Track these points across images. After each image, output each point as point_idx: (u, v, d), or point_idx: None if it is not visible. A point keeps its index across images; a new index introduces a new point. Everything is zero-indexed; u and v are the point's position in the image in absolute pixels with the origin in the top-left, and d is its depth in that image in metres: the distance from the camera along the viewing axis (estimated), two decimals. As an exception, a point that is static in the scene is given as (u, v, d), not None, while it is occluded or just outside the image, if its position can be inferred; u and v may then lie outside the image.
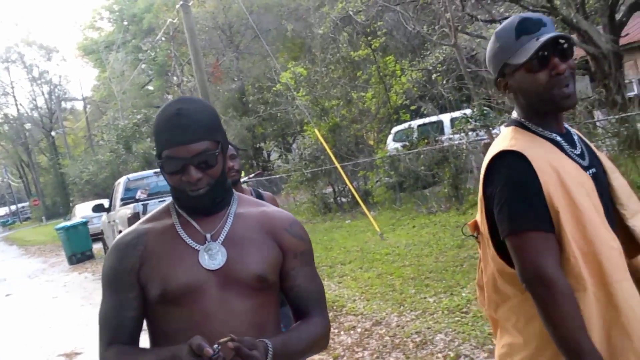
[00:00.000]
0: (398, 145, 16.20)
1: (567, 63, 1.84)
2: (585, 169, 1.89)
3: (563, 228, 1.76)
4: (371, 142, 17.87)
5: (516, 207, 1.80)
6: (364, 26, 16.28)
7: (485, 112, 11.33)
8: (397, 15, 15.20)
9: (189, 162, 1.77)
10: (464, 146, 12.28)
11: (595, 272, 1.76)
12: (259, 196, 3.55)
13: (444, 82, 15.92)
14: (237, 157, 3.47)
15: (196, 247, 1.84)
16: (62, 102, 62.53)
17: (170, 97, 34.05)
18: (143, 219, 1.98)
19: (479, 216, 2.00)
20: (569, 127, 2.02)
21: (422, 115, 18.03)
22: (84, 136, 57.91)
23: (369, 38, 17.06)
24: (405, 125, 17.08)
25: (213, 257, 1.84)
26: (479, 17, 12.24)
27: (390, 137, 17.57)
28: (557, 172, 1.80)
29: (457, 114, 15.34)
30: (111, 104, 44.85)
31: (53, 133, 58.14)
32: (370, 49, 17.13)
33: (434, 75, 16.47)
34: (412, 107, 17.90)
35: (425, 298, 6.89)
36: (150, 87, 45.04)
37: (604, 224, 1.81)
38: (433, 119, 17.31)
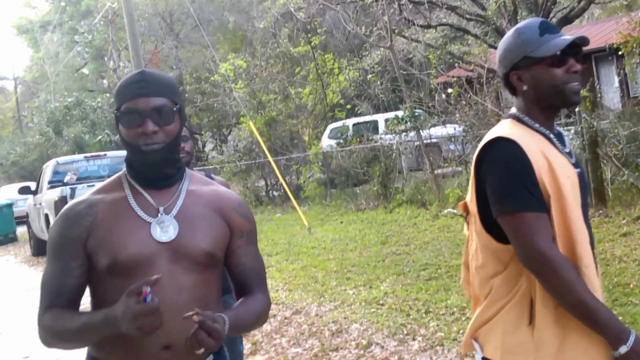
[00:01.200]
0: (333, 142, 16.45)
1: (580, 67, 2.03)
2: (573, 165, 2.04)
3: (551, 211, 1.92)
4: (306, 138, 18.05)
5: (511, 188, 1.93)
6: (304, 23, 16.42)
7: (416, 114, 11.65)
8: (338, 15, 15.41)
9: (147, 115, 1.81)
10: (395, 146, 12.58)
11: (571, 255, 1.91)
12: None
13: (379, 83, 16.24)
14: (189, 140, 3.44)
15: (148, 220, 1.87)
16: (-8, 81, 60.32)
17: (105, 81, 33.45)
18: (94, 189, 1.98)
19: (469, 196, 2.11)
20: (560, 129, 2.18)
21: (357, 114, 18.33)
22: (12, 117, 56.04)
23: (309, 35, 17.23)
24: (340, 123, 17.35)
25: (165, 230, 1.86)
26: (415, 21, 12.56)
27: (326, 134, 17.82)
28: (548, 161, 1.94)
29: (391, 114, 15.71)
30: (43, 86, 43.58)
31: (-20, 112, 56.03)
32: (310, 46, 17.30)
33: (369, 76, 16.77)
34: (348, 106, 18.19)
35: (345, 290, 7.11)
36: (85, 71, 43.95)
37: (580, 215, 1.97)
38: (368, 118, 17.63)
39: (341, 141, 15.86)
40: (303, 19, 15.86)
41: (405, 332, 5.43)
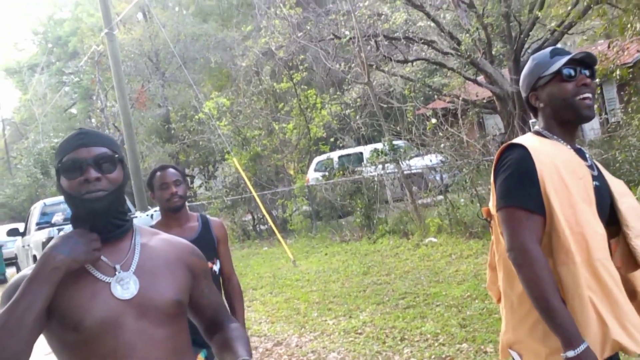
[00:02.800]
0: (319, 175, 16.71)
1: (592, 83, 2.22)
2: (592, 177, 2.20)
3: (554, 210, 2.06)
4: (291, 172, 18.32)
5: (509, 186, 2.14)
6: (286, 60, 16.82)
7: (395, 147, 11.95)
8: (318, 51, 15.80)
9: (89, 163, 1.80)
10: (376, 178, 12.85)
11: (583, 250, 2.05)
12: (206, 222, 3.56)
13: (357, 117, 16.60)
14: (181, 184, 3.44)
15: (106, 280, 1.81)
16: (-20, 123, 60.50)
17: (93, 120, 33.67)
18: None
19: (491, 201, 2.32)
20: (580, 146, 2.35)
21: (341, 147, 18.66)
22: (1, 158, 56.10)
23: (291, 72, 17.61)
24: (325, 156, 17.66)
25: (126, 287, 1.82)
26: (392, 57, 12.93)
27: (312, 167, 18.09)
28: (555, 164, 2.11)
29: (377, 145, 16.03)
30: (32, 127, 43.79)
31: (-31, 154, 56.06)
32: (292, 82, 17.67)
33: (347, 111, 17.14)
34: (332, 139, 18.53)
35: (325, 320, 7.30)
36: (74, 111, 44.25)
37: (592, 213, 2.11)
38: (353, 150, 17.96)
39: (326, 174, 16.13)
40: (284, 57, 16.22)
41: (380, 359, 5.64)
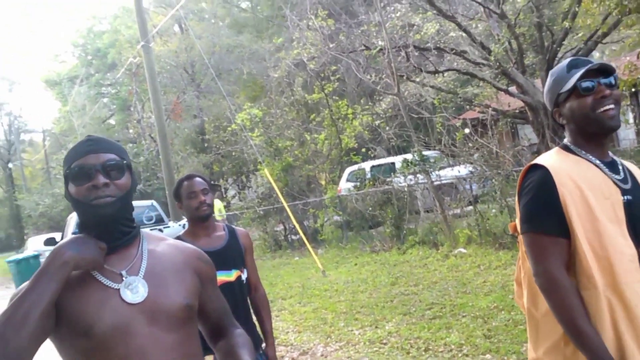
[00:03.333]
0: (350, 185, 16.78)
1: (612, 91, 2.14)
2: (623, 191, 2.12)
3: (576, 234, 2.02)
4: (323, 182, 18.41)
5: (531, 210, 2.12)
6: (317, 71, 16.96)
7: (424, 157, 11.95)
8: (349, 63, 15.90)
9: (98, 169, 1.82)
10: (405, 189, 12.86)
11: (607, 274, 1.99)
12: (232, 232, 3.55)
13: (387, 128, 16.63)
14: (209, 192, 3.45)
15: (116, 287, 1.81)
16: (22, 134, 62.09)
17: (131, 131, 34.27)
18: None
19: (518, 219, 2.29)
20: (617, 158, 2.28)
21: (372, 158, 18.70)
22: (41, 168, 57.37)
23: (323, 82, 17.75)
24: (357, 166, 17.73)
25: (135, 290, 1.82)
26: (422, 68, 12.96)
27: (344, 178, 18.17)
28: (578, 186, 2.06)
29: (408, 156, 16.05)
30: (71, 138, 44.70)
31: (10, 165, 57.49)
32: (324, 93, 17.80)
33: (377, 122, 17.19)
34: (363, 150, 18.58)
35: (352, 330, 7.35)
36: (112, 122, 45.09)
37: (622, 232, 2.05)
38: (385, 160, 17.99)
39: (358, 184, 16.18)
40: (316, 68, 16.36)
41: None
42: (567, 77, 2.18)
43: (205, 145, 26.56)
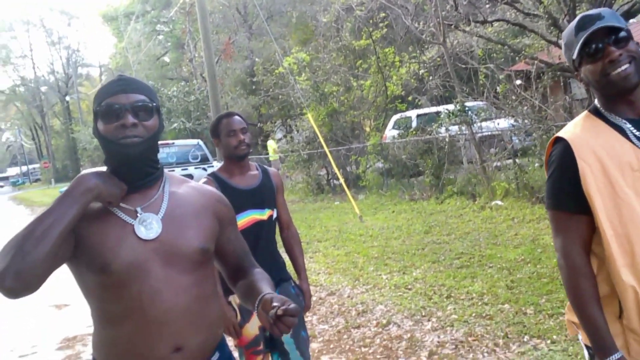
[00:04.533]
0: (395, 133, 16.85)
1: (624, 49, 1.96)
2: None
3: (596, 211, 1.94)
4: (367, 129, 18.52)
5: (552, 187, 2.06)
6: (365, 17, 16.86)
7: (466, 108, 11.95)
8: (398, 10, 15.77)
9: (127, 109, 1.84)
10: (447, 139, 12.92)
11: (627, 253, 1.92)
12: (265, 171, 3.56)
13: (432, 77, 16.53)
14: (247, 132, 3.42)
15: (131, 223, 1.86)
16: (79, 68, 63.44)
17: (184, 69, 34.75)
18: None
19: None
20: None
21: (418, 107, 18.68)
22: (98, 104, 58.52)
23: (370, 29, 17.65)
24: (404, 114, 17.76)
25: (149, 227, 1.87)
26: (471, 17, 12.81)
27: (390, 125, 18.23)
28: (600, 159, 1.95)
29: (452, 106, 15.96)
30: (127, 73, 45.38)
31: (68, 98, 59.05)
32: (371, 39, 17.73)
33: (421, 71, 17.09)
34: (409, 98, 18.57)
35: (380, 275, 7.63)
36: (167, 59, 45.66)
37: None
38: (431, 110, 17.96)
39: (403, 132, 16.25)
40: (364, 14, 16.28)
41: (423, 313, 5.93)
42: (575, 41, 2.03)
43: (254, 87, 26.79)
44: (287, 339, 3.30)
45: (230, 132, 3.36)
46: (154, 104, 1.91)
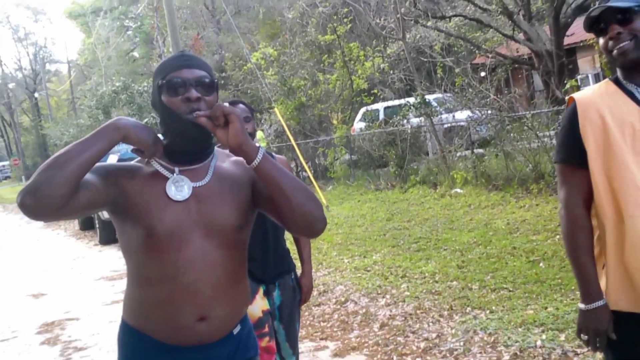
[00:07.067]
0: (363, 125, 17.34)
1: (627, 27, 2.06)
2: None
3: (591, 166, 2.08)
4: (334, 122, 19.00)
5: (559, 142, 2.22)
6: (330, 13, 17.33)
7: (427, 101, 12.50)
8: (360, 6, 16.25)
9: (191, 83, 1.89)
10: (409, 130, 13.45)
11: (615, 206, 2.04)
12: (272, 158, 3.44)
13: (392, 72, 17.06)
14: (251, 120, 3.37)
15: (168, 175, 1.94)
16: (47, 64, 62.91)
17: (154, 65, 34.87)
18: (130, 162, 2.02)
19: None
20: None
21: (382, 100, 19.21)
22: (67, 99, 58.31)
23: (335, 25, 18.12)
24: (372, 107, 18.27)
25: (180, 189, 1.93)
26: (429, 14, 13.34)
27: (358, 117, 18.72)
28: (603, 118, 2.08)
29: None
30: (95, 69, 45.32)
31: (36, 94, 58.49)
32: (336, 35, 18.21)
33: (382, 65, 17.63)
34: (374, 91, 19.09)
35: (342, 259, 8.13)
36: (136, 54, 45.58)
37: (635, 168, 2.03)
38: (398, 102, 18.51)
39: (369, 124, 16.75)
40: (327, 10, 16.74)
41: (378, 292, 6.44)
42: (587, 18, 2.18)
43: (224, 82, 27.10)
44: (279, 329, 3.35)
45: None
46: (215, 80, 1.98)
